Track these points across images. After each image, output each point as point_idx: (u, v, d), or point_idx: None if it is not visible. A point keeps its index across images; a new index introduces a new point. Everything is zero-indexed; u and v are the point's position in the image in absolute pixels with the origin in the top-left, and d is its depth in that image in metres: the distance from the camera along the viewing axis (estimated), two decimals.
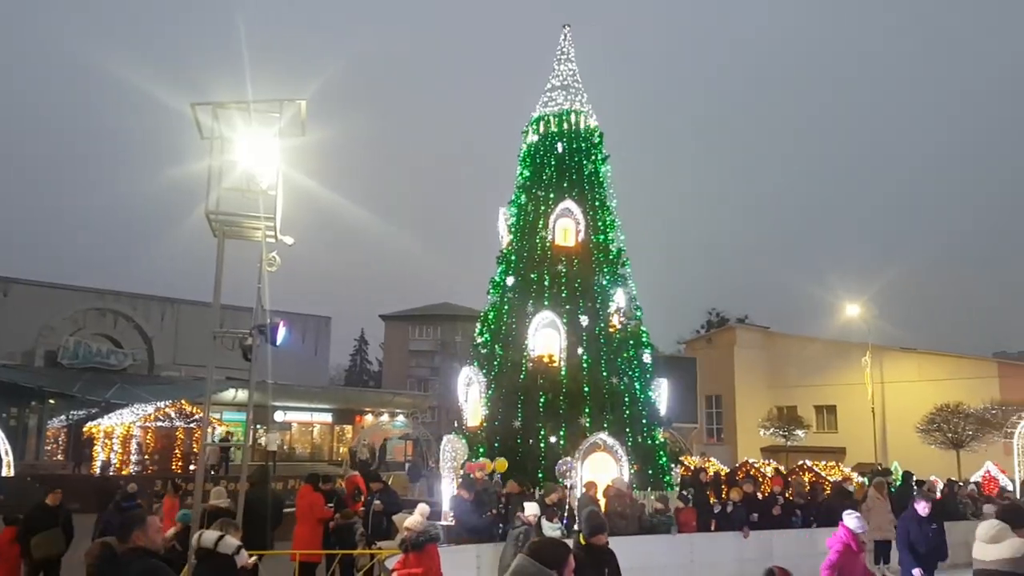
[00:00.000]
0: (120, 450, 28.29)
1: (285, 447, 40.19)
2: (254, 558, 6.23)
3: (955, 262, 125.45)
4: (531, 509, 9.80)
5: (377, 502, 11.47)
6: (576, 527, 12.76)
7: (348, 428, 44.88)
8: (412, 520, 8.01)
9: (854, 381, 38.03)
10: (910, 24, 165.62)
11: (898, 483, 18.29)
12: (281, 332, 8.88)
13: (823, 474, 21.67)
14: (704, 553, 12.32)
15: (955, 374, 37.79)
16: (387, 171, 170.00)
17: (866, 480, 18.99)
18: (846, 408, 41.00)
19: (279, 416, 39.41)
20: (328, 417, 44.70)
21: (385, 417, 43.10)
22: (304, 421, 44.32)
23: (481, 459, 15.35)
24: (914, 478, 18.46)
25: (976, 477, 23.93)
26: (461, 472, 15.02)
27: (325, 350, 57.84)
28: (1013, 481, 23.11)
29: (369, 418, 43.24)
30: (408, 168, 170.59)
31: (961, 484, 20.45)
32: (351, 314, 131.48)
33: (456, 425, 19.15)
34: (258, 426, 38.44)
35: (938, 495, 18.28)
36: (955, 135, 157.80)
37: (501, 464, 13.37)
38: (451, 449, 17.50)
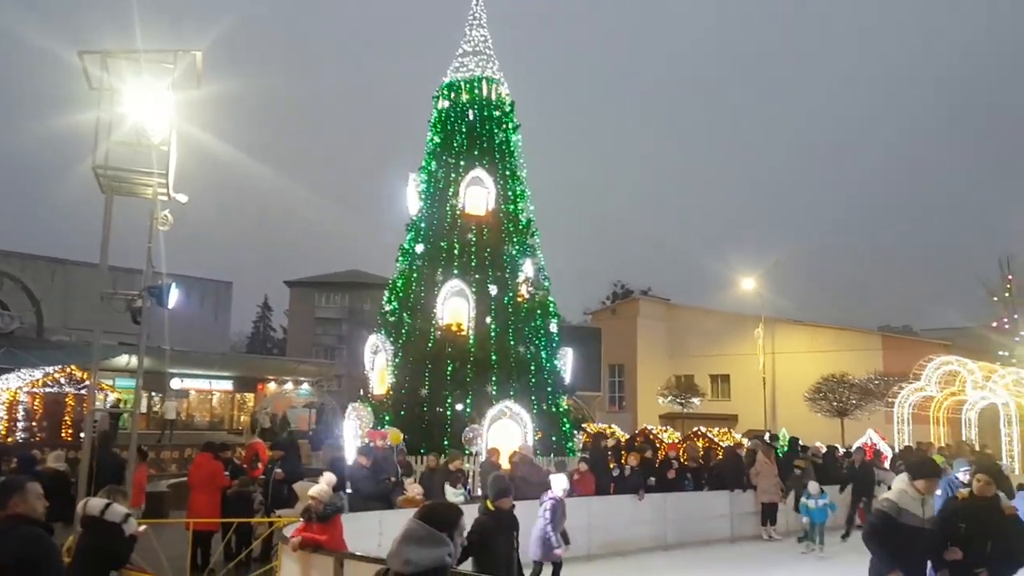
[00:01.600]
0: (6, 416, 26.78)
1: (183, 416, 38.88)
2: (144, 527, 6.02)
3: (844, 239, 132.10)
4: (559, 483, 9.69)
5: (278, 470, 11.28)
6: (481, 492, 12.94)
7: (250, 396, 43.85)
8: (317, 489, 7.89)
9: (748, 352, 39.72)
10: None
11: (785, 449, 19.25)
12: (173, 294, 8.53)
13: (716, 440, 22.60)
14: (600, 516, 12.70)
15: (842, 346, 39.99)
16: (294, 133, 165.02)
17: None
18: (739, 377, 42.83)
19: (176, 384, 38.04)
20: (229, 385, 43.52)
21: (289, 385, 42.31)
22: (203, 389, 42.98)
23: (385, 428, 15.29)
24: (799, 443, 19.50)
25: (858, 444, 25.42)
26: (365, 440, 14.94)
27: (226, 316, 56.07)
28: (892, 447, 24.62)
29: (272, 386, 42.33)
30: (316, 131, 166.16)
31: (842, 450, 21.75)
32: (254, 280, 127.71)
33: (362, 393, 19.00)
34: (154, 394, 37.08)
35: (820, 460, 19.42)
36: (842, 115, 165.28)
37: (395, 436, 13.30)
38: (356, 417, 17.36)
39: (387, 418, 16.85)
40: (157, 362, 31.39)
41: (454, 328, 17.79)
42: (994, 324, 40.39)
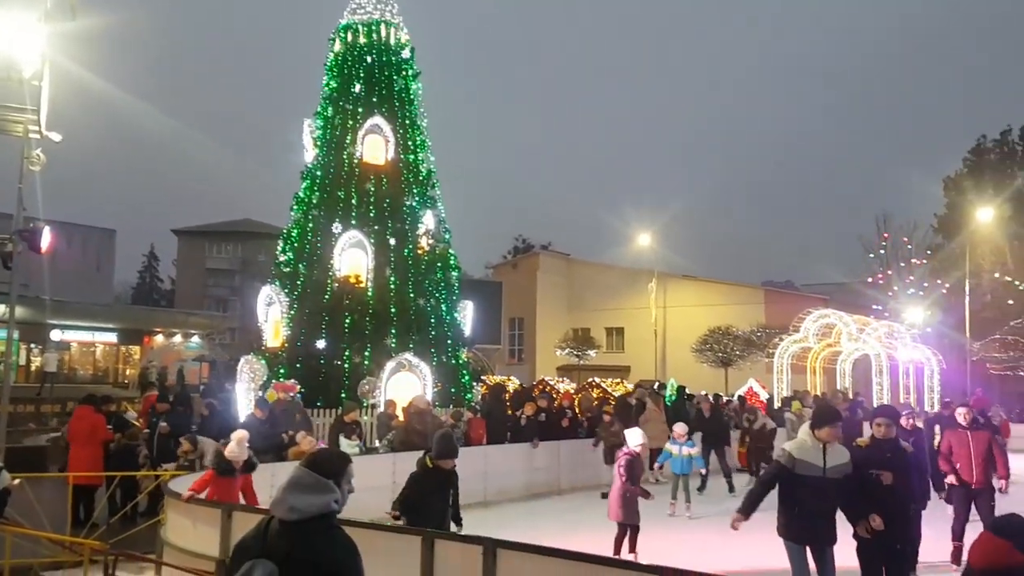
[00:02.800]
0: None
1: (64, 369, 36.97)
2: (18, 480, 5.76)
3: (733, 198, 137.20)
4: (634, 438, 9.44)
5: (163, 424, 10.96)
6: (377, 444, 12.95)
7: (136, 349, 42.12)
8: (230, 449, 7.82)
9: (641, 305, 40.98)
10: None
11: (672, 397, 20.12)
12: (46, 237, 8.04)
13: (609, 390, 23.37)
14: (497, 463, 12.99)
15: (727, 300, 41.79)
16: (183, 75, 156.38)
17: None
18: (633, 330, 44.20)
19: (56, 335, 36.04)
20: (113, 337, 41.61)
21: (178, 338, 40.83)
22: (86, 341, 40.94)
23: (278, 381, 15.02)
24: (686, 392, 20.45)
25: (740, 392, 26.78)
26: (259, 393, 14.65)
27: (109, 266, 53.22)
28: (771, 395, 26.07)
29: (160, 339, 40.76)
30: (207, 72, 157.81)
31: (727, 398, 22.94)
32: (140, 228, 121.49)
33: (256, 346, 18.55)
34: (34, 346, 35.09)
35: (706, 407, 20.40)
36: (735, 78, 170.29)
37: (271, 395, 12.98)
38: (249, 370, 16.97)
39: (282, 371, 16.56)
40: (35, 312, 29.62)
41: (352, 280, 17.53)
42: (869, 280, 43.08)
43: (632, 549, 8.83)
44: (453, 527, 6.54)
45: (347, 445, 11.40)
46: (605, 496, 12.63)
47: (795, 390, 25.11)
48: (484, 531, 5.66)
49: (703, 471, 13.65)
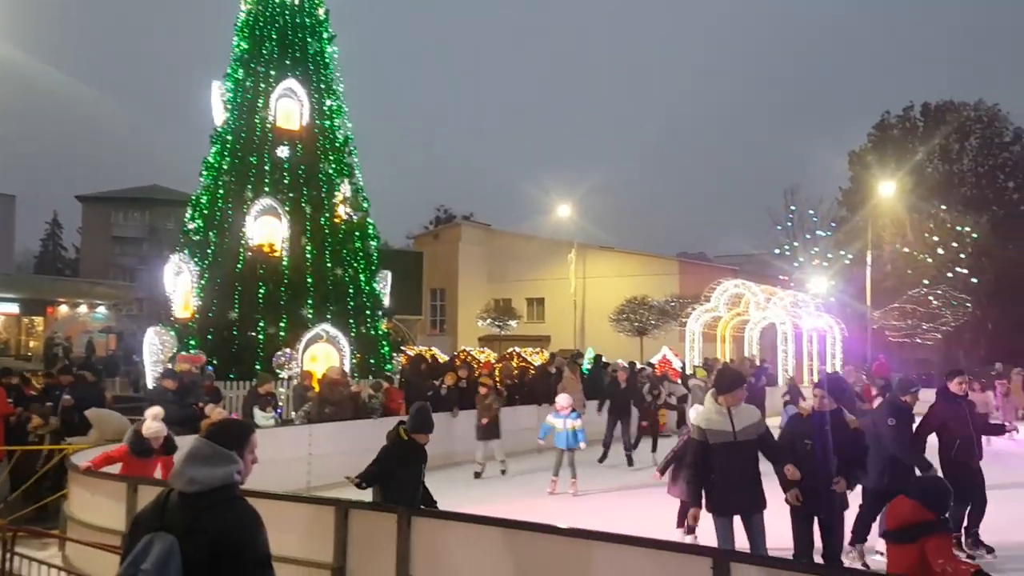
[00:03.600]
0: None
1: None
2: None
3: (649, 171, 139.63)
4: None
5: (67, 396, 10.53)
6: (293, 416, 12.79)
7: (39, 320, 40.24)
8: (147, 427, 7.48)
9: (561, 276, 41.44)
10: None
11: (590, 366, 20.55)
12: None
13: (530, 359, 23.66)
14: None
15: (643, 271, 42.70)
16: (88, 33, 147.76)
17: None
18: (553, 300, 44.71)
19: None
20: (15, 308, 39.62)
21: (83, 309, 39.11)
22: None
23: (190, 352, 14.60)
24: (602, 359, 20.93)
25: (654, 360, 27.51)
26: (168, 365, 14.22)
27: (9, 233, 50.50)
28: (684, 362, 26.87)
29: (64, 309, 38.98)
30: (112, 31, 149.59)
31: (641, 366, 23.56)
32: (42, 194, 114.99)
33: (164, 317, 17.95)
34: None
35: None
36: (651, 49, 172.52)
37: (179, 367, 12.55)
38: (158, 342, 16.43)
39: (192, 343, 16.09)
40: None
41: (266, 249, 17.11)
42: (777, 251, 44.72)
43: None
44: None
45: (262, 417, 11.23)
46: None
47: (706, 358, 25.95)
48: None
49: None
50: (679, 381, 22.05)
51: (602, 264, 44.18)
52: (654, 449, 14.26)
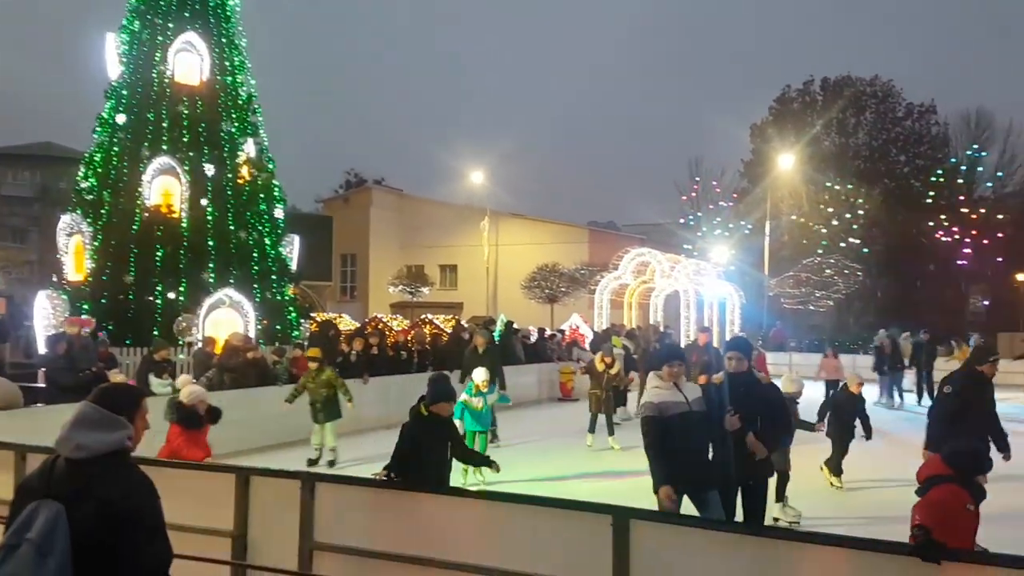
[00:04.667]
0: None
1: None
2: None
3: (560, 139, 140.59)
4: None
5: None
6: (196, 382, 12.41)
7: None
8: (186, 393, 6.95)
9: (474, 243, 41.39)
10: None
11: (501, 332, 20.72)
12: None
13: (442, 326, 23.67)
14: None
15: (554, 239, 43.14)
16: None
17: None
18: (466, 267, 44.68)
19: None
20: None
21: None
22: None
23: (83, 316, 13.95)
24: (514, 326, 21.14)
25: (564, 327, 28.01)
26: (59, 329, 13.55)
27: None
28: (593, 329, 27.43)
29: None
30: None
31: (552, 332, 23.98)
32: None
33: (55, 280, 17.05)
34: None
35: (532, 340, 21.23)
36: (568, 18, 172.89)
37: (68, 329, 12.00)
38: (49, 306, 15.61)
39: (85, 307, 15.37)
40: None
41: (164, 210, 16.44)
42: (682, 221, 45.99)
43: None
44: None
45: (158, 385, 10.86)
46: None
47: (612, 323, 26.53)
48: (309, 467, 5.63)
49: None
50: (587, 347, 22.59)
51: (514, 232, 44.36)
52: None
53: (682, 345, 14.89)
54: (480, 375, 10.22)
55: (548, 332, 23.70)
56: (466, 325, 22.41)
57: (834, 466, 9.46)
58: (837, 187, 42.35)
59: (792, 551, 4.03)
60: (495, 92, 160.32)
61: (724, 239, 41.21)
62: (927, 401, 17.65)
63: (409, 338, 18.86)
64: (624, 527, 4.34)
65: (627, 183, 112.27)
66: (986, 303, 48.22)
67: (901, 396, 18.33)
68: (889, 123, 46.97)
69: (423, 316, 26.01)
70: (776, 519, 7.87)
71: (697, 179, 48.06)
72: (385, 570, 4.74)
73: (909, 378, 19.22)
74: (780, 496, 8.07)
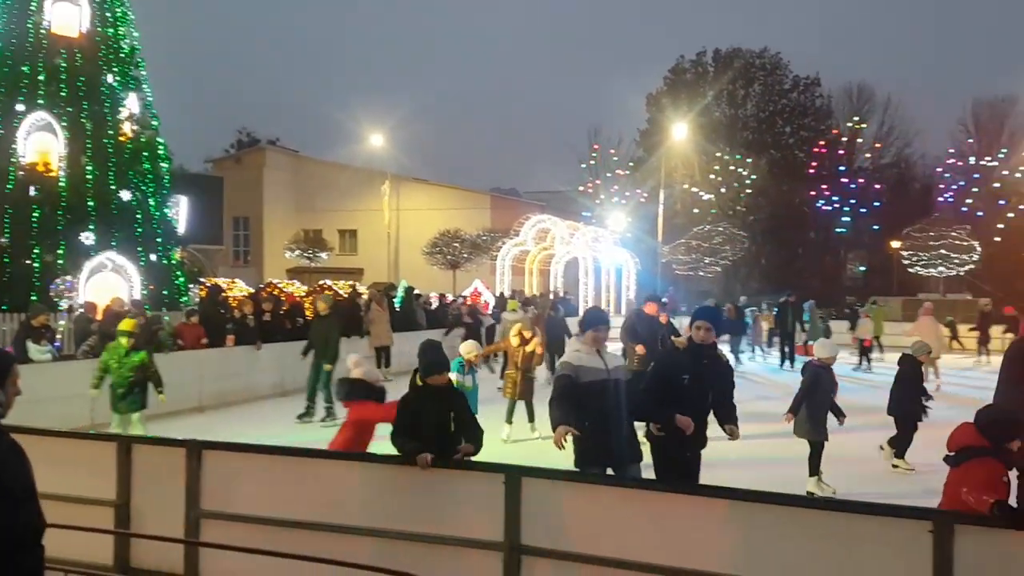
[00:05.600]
0: None
1: None
2: None
3: (462, 105, 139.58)
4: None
5: None
6: (75, 351, 11.86)
7: None
8: (366, 373, 6.45)
9: (375, 207, 40.80)
10: None
11: (401, 298, 20.68)
12: None
13: (341, 292, 23.32)
14: (213, 366, 12.56)
15: (457, 204, 43.07)
16: None
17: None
18: (366, 232, 44.05)
19: None
20: None
21: None
22: None
23: None
24: (415, 292, 21.11)
25: (466, 292, 28.16)
26: None
27: None
28: (494, 294, 27.72)
29: None
30: None
31: (453, 297, 24.07)
32: None
33: None
34: None
35: (433, 307, 21.26)
36: None
37: None
38: None
39: None
40: None
41: (40, 168, 15.45)
42: (581, 188, 46.76)
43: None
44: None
45: (36, 351, 10.35)
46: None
47: (514, 290, 26.89)
48: (197, 435, 5.52)
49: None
50: (489, 312, 22.82)
51: (416, 197, 43.98)
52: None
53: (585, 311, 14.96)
54: (468, 348, 9.11)
55: (450, 298, 23.79)
56: (362, 290, 22.22)
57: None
58: (726, 157, 43.92)
59: (677, 503, 4.29)
60: (396, 56, 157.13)
61: (621, 207, 42.19)
62: (789, 364, 18.67)
63: (306, 304, 18.56)
64: (516, 484, 4.52)
65: (529, 150, 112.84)
66: (863, 269, 51.40)
67: (738, 359, 19.02)
68: (776, 95, 48.85)
69: (321, 282, 25.56)
70: (810, 493, 7.52)
71: (596, 147, 48.84)
72: (279, 536, 4.76)
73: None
74: (814, 470, 7.82)
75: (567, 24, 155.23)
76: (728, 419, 5.61)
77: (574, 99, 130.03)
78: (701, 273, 39.72)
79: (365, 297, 18.77)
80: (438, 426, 5.00)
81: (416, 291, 21.91)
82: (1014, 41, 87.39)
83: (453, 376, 7.82)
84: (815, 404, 7.82)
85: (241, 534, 4.70)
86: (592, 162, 48.58)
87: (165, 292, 16.93)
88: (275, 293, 21.17)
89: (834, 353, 8.16)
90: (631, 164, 47.57)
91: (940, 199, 41.70)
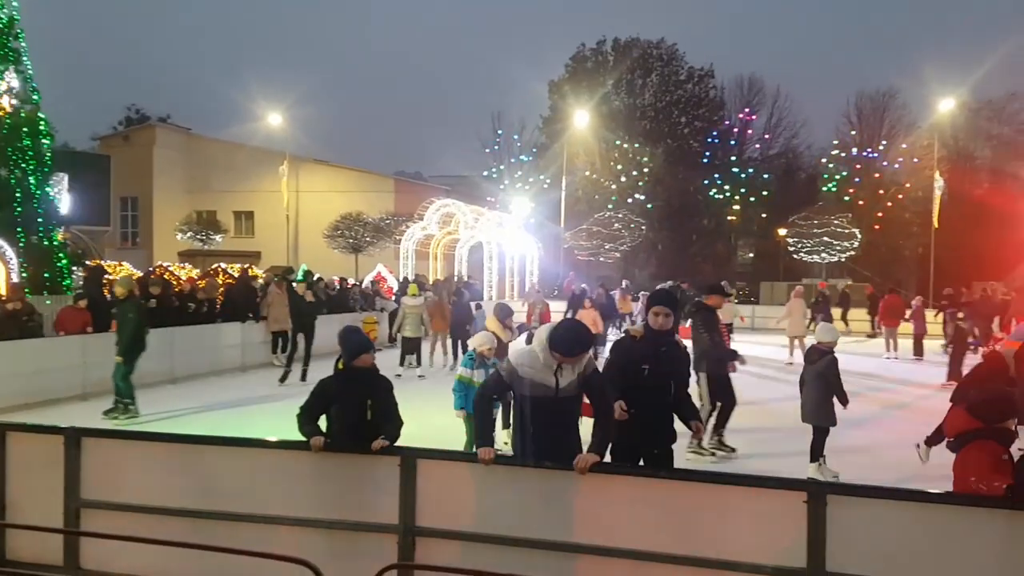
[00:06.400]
0: None
1: None
2: None
3: (368, 88, 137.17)
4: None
5: None
6: None
7: None
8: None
9: (272, 189, 39.64)
10: None
11: (299, 280, 20.25)
12: None
13: (237, 276, 22.62)
14: (98, 352, 12.01)
15: (359, 187, 42.40)
16: None
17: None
18: (263, 214, 42.80)
19: None
20: None
21: None
22: None
23: None
24: (315, 276, 20.71)
25: (369, 277, 27.80)
26: None
27: None
28: (398, 278, 27.45)
29: None
30: None
31: (354, 283, 23.75)
32: None
33: None
34: None
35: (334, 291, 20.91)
36: None
37: None
38: None
39: None
40: None
41: None
42: (485, 173, 46.86)
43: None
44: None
45: None
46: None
47: (417, 274, 26.77)
48: (79, 423, 5.32)
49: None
50: (392, 298, 22.66)
51: (317, 179, 43.03)
52: None
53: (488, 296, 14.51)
54: (481, 340, 8.04)
55: (351, 282, 23.47)
56: (261, 273, 21.64)
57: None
58: (625, 145, 44.90)
59: (569, 480, 4.41)
60: (296, 33, 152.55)
61: (524, 192, 42.55)
62: None
63: (199, 288, 17.92)
64: (411, 465, 4.57)
65: (435, 135, 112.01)
66: (751, 255, 53.70)
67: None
68: (672, 85, 50.10)
69: (216, 265, 24.73)
70: (811, 479, 7.25)
71: (500, 133, 49.01)
72: (163, 525, 4.65)
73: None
74: (816, 455, 7.71)
75: (472, 7, 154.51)
76: (692, 415, 5.35)
77: (479, 84, 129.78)
78: (602, 258, 40.58)
79: (261, 281, 18.31)
80: (355, 412, 4.87)
81: (317, 275, 21.50)
82: (896, 36, 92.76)
83: (462, 371, 7.83)
84: (826, 390, 7.65)
85: (123, 523, 4.58)
86: (496, 147, 48.73)
87: (46, 275, 16.09)
88: (164, 276, 20.35)
89: (835, 337, 7.97)
90: (534, 150, 47.97)
91: (824, 189, 43.94)
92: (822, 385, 7.64)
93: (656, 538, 4.21)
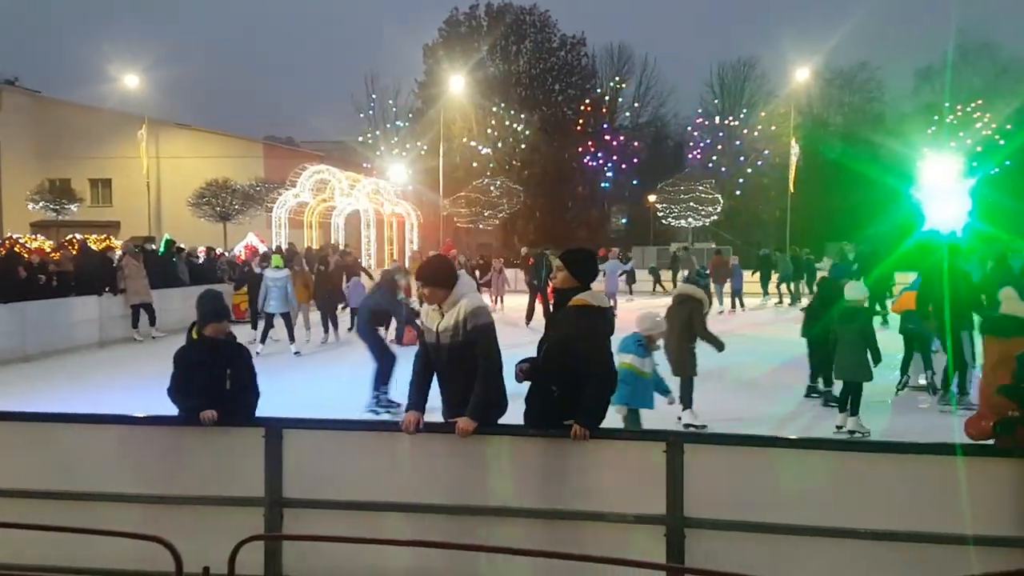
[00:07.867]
0: None
1: None
2: None
3: (231, 45, 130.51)
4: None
5: None
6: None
7: None
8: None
9: (131, 155, 37.33)
10: None
11: (163, 252, 19.34)
12: None
13: (94, 248, 21.34)
14: None
15: (226, 152, 40.54)
16: None
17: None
18: (122, 182, 40.41)
19: None
20: None
21: None
22: None
23: None
24: (176, 246, 19.82)
25: (239, 247, 26.74)
26: None
27: None
28: (270, 248, 26.53)
29: None
30: None
31: (222, 252, 22.82)
32: None
33: None
34: None
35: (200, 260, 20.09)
36: None
37: None
38: None
39: None
40: None
41: None
42: (360, 139, 45.78)
43: None
44: None
45: None
46: None
47: (290, 243, 26.03)
48: None
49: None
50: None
51: (180, 144, 40.89)
52: None
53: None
54: (652, 323, 6.78)
55: (219, 251, 22.53)
56: (118, 244, 20.46)
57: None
58: (502, 113, 45.01)
59: (440, 443, 4.45)
60: None
61: (402, 159, 41.94)
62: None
63: (52, 260, 16.79)
64: (277, 436, 4.51)
65: (307, 98, 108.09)
66: (624, 221, 55.40)
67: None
68: (546, 53, 50.56)
69: (71, 236, 23.30)
70: (839, 427, 7.94)
71: (374, 96, 47.95)
72: (14, 507, 4.40)
73: None
74: (855, 408, 7.93)
75: None
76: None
77: (352, 45, 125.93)
78: (481, 226, 40.73)
79: (119, 252, 17.32)
80: (211, 382, 4.68)
81: (179, 244, 20.52)
82: (758, 5, 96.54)
83: (629, 359, 6.50)
84: (856, 343, 7.82)
85: None
86: (371, 112, 47.66)
87: None
88: (16, 249, 18.92)
89: (865, 295, 8.22)
90: (410, 115, 47.28)
91: (690, 156, 45.74)
92: (859, 342, 7.82)
93: (523, 494, 4.34)
